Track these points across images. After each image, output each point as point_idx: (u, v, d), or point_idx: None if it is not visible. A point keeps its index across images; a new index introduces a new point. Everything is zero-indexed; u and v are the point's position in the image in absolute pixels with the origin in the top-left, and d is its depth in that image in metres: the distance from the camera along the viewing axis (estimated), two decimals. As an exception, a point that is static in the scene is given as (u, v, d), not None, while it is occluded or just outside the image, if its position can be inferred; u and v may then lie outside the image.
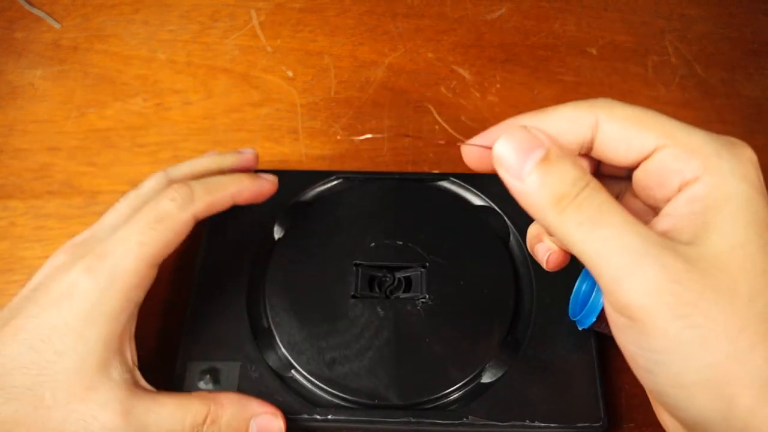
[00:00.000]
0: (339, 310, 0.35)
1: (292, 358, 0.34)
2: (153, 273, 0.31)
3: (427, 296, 0.35)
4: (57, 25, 0.52)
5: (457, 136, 0.46)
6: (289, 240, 0.38)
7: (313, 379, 0.33)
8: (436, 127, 0.47)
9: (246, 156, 0.37)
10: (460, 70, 0.50)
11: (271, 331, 0.35)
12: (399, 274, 0.37)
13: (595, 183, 0.22)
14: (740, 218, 0.22)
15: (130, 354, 0.30)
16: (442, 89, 0.49)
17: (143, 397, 0.29)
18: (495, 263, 0.37)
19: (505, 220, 0.39)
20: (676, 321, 0.20)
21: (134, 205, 0.33)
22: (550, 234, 0.25)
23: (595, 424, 0.31)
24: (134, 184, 0.44)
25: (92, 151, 0.45)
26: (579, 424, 0.32)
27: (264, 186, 0.35)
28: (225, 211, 0.34)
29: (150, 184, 0.34)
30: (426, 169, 0.44)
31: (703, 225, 0.22)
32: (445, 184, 0.40)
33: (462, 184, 0.40)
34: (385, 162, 0.45)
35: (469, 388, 0.33)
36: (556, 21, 0.52)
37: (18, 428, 0.27)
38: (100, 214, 0.43)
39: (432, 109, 0.48)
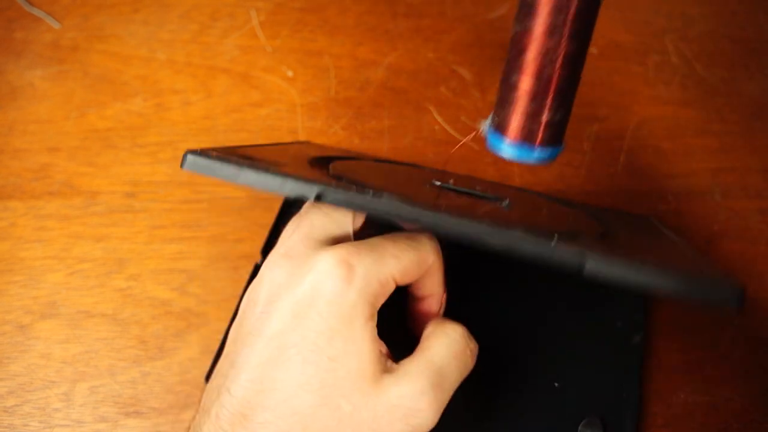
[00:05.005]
0: None
1: None
2: (393, 286, 0.29)
3: None
4: (57, 25, 0.52)
5: (457, 136, 0.46)
6: None
7: None
8: (436, 127, 0.47)
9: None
10: (460, 70, 0.50)
11: None
12: None
13: None
14: None
15: (383, 347, 0.29)
16: (442, 89, 0.49)
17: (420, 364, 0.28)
18: None
19: None
20: None
21: None
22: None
23: None
24: (134, 184, 0.44)
25: (92, 151, 0.45)
26: None
27: None
28: None
29: None
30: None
31: None
32: None
33: None
34: (386, 162, 0.45)
35: None
36: (557, 20, 0.52)
37: None
38: (100, 214, 0.43)
39: (432, 109, 0.48)
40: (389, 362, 0.28)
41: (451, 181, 0.35)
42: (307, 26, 0.52)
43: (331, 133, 0.46)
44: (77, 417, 0.36)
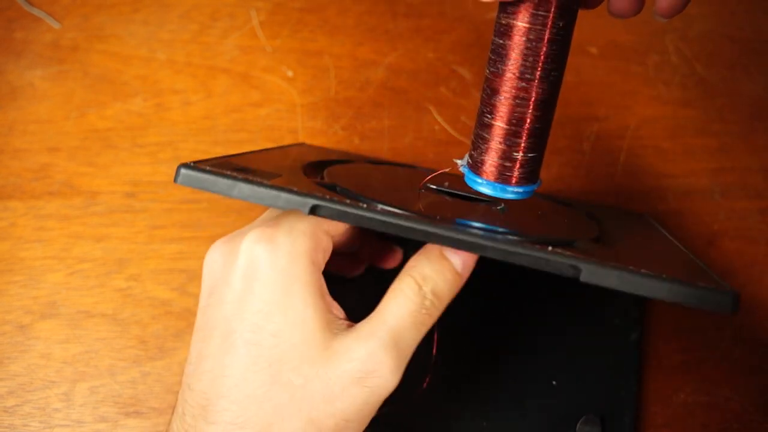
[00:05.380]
0: None
1: None
2: (329, 241, 0.29)
3: None
4: (57, 25, 0.52)
5: (457, 136, 0.46)
6: None
7: None
8: (436, 127, 0.47)
9: None
10: (460, 70, 0.50)
11: None
12: None
13: None
14: None
15: (337, 310, 0.28)
16: (442, 89, 0.49)
17: (374, 327, 0.27)
18: None
19: None
20: None
21: None
22: None
23: None
24: (134, 184, 0.44)
25: (92, 151, 0.45)
26: None
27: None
28: None
29: None
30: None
31: None
32: None
33: None
34: (386, 162, 0.45)
35: None
36: (557, 20, 0.52)
37: (290, 424, 0.25)
38: (100, 214, 0.43)
39: (432, 109, 0.48)
40: (341, 323, 0.27)
41: (446, 183, 0.35)
42: (307, 26, 0.52)
43: (331, 133, 0.46)
44: (77, 417, 0.36)
